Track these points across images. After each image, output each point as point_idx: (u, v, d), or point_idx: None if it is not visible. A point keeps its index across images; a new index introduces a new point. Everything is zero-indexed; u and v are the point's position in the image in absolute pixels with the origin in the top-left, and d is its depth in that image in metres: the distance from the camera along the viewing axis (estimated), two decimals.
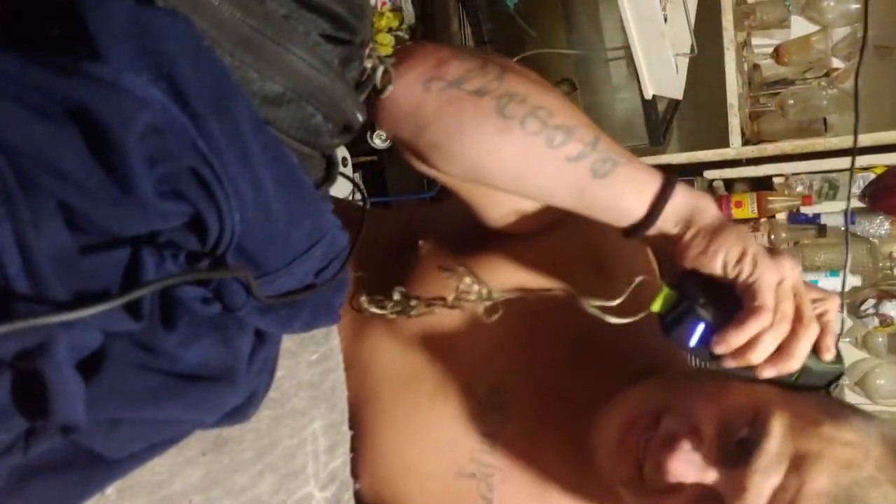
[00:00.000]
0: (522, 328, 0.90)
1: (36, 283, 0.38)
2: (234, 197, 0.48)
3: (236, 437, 0.63)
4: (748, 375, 0.75)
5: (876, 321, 2.50)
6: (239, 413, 0.58)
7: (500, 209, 0.89)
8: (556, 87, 0.80)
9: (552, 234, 0.92)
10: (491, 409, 0.90)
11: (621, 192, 0.75)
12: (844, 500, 0.70)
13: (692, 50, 2.06)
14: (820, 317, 0.75)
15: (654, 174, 0.77)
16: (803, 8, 2.56)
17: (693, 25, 2.10)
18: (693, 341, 0.74)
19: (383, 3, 2.26)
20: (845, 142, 2.40)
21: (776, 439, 0.71)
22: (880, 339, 2.57)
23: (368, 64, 0.69)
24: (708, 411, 0.76)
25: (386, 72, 0.71)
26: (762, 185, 2.56)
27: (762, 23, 2.62)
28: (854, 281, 2.42)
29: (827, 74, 2.56)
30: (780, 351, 0.73)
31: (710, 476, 0.73)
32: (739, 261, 0.73)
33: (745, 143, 2.49)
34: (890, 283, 2.50)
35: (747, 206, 2.46)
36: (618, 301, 0.78)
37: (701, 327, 0.74)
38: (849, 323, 2.64)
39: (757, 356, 0.72)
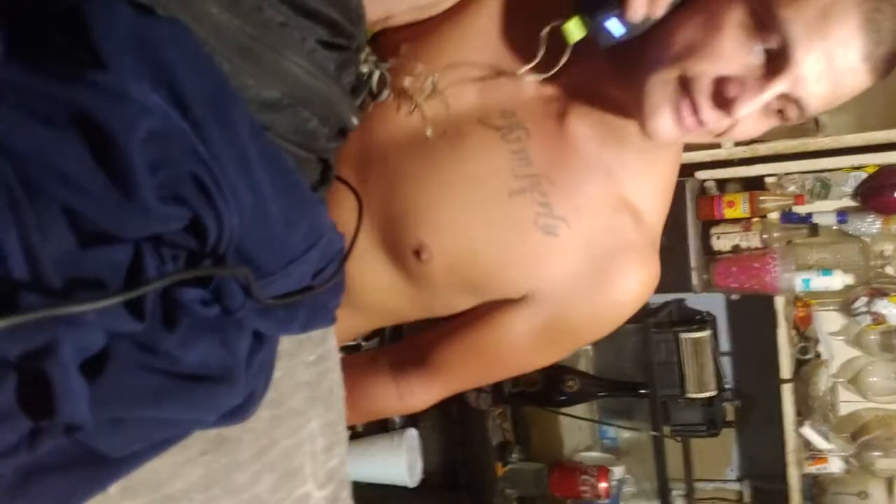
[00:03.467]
0: (513, 51, 0.95)
1: (41, 285, 0.39)
2: (233, 201, 0.49)
3: (235, 436, 0.64)
4: None
5: (868, 319, 2.51)
6: (238, 413, 0.59)
7: None
8: None
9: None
10: (510, 129, 0.94)
11: None
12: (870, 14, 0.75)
13: None
14: None
15: None
16: None
17: None
18: (619, 32, 0.81)
19: None
20: (837, 142, 2.42)
21: (797, 23, 0.75)
22: (872, 337, 2.58)
23: (364, 69, 0.70)
24: (716, 44, 0.79)
25: (382, 76, 0.72)
26: (754, 185, 2.57)
27: None
28: (847, 279, 2.43)
29: None
30: None
31: (775, 89, 0.77)
32: None
33: (737, 143, 2.51)
34: (881, 281, 2.52)
35: (739, 206, 2.47)
36: (537, 59, 0.86)
37: (614, 21, 0.81)
38: (842, 321, 2.66)
39: None
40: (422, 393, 1.08)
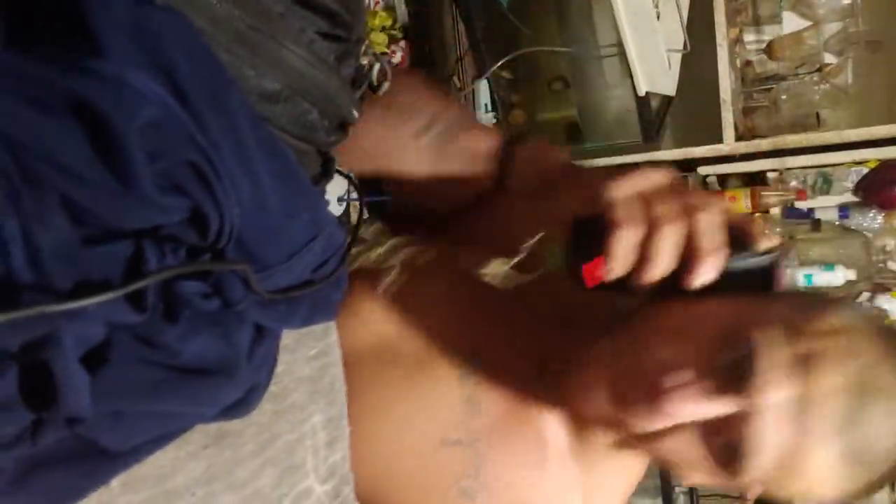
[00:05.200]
0: (492, 294, 0.90)
1: (40, 275, 0.39)
2: (233, 190, 0.48)
3: (237, 431, 0.64)
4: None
5: None
6: (239, 407, 0.59)
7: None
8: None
9: (470, 211, 0.96)
10: (468, 375, 0.87)
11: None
12: (858, 389, 0.66)
13: (685, 46, 2.06)
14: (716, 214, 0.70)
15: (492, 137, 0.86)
16: (794, 4, 2.57)
17: (685, 22, 2.10)
18: (592, 282, 0.70)
19: (376, 3, 2.26)
20: (838, 136, 2.41)
21: (768, 349, 0.67)
22: None
23: (364, 61, 0.69)
24: (679, 346, 0.71)
25: (382, 69, 0.72)
26: (756, 181, 2.57)
27: (754, 18, 2.63)
28: (849, 275, 2.43)
29: (819, 70, 2.57)
30: (687, 251, 0.68)
31: (717, 407, 0.68)
32: (594, 189, 0.71)
33: (739, 138, 2.50)
34: (884, 277, 2.51)
35: (741, 202, 2.47)
36: (512, 263, 0.83)
37: (590, 267, 0.70)
38: None
39: (657, 262, 0.68)
40: None
